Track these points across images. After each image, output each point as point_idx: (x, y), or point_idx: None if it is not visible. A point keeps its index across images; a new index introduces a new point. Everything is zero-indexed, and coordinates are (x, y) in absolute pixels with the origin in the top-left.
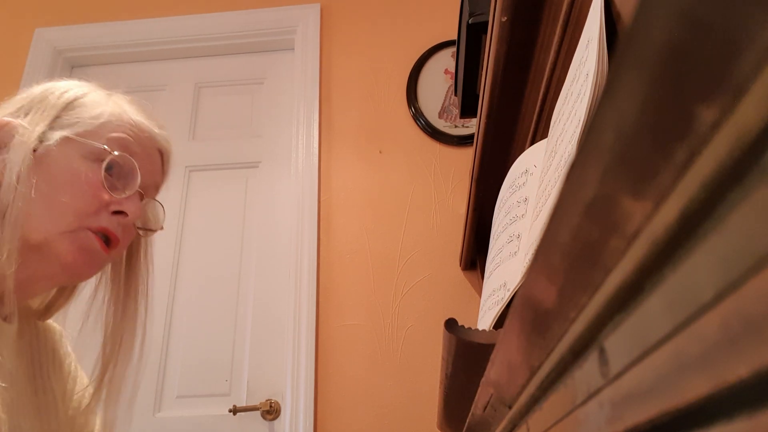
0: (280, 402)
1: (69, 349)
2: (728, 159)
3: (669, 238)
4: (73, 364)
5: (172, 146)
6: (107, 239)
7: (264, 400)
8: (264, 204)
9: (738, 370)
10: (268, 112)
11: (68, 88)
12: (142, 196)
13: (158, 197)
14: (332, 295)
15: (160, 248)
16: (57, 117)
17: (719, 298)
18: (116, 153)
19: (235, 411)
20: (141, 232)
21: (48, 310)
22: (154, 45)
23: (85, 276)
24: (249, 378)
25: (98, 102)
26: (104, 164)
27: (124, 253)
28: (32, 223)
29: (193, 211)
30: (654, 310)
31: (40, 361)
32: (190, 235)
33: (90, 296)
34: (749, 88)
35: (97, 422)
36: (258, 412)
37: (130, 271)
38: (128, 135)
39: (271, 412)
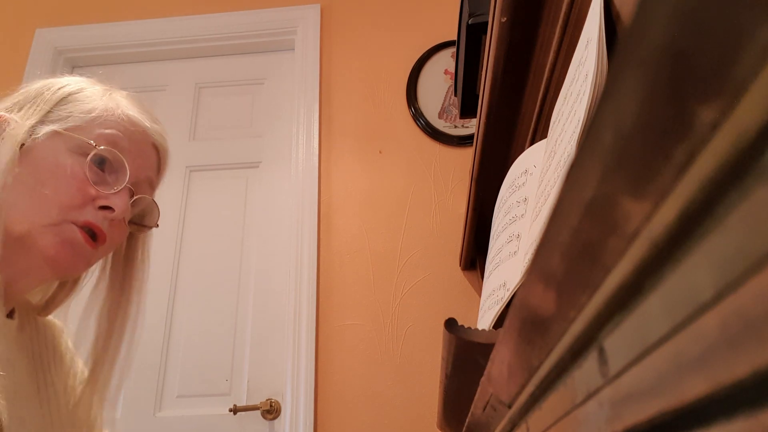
0: (280, 402)
1: (70, 344)
2: (728, 159)
3: (668, 238)
4: (73, 359)
5: (168, 142)
6: (94, 234)
7: (264, 400)
8: (264, 204)
9: (738, 370)
10: (268, 112)
11: (66, 83)
12: (132, 193)
13: (158, 194)
14: (332, 295)
15: (160, 248)
16: (49, 112)
17: (719, 298)
18: (102, 147)
19: (235, 411)
20: (134, 228)
21: (48, 305)
22: (154, 45)
23: (72, 271)
24: (249, 378)
25: (93, 97)
26: (89, 158)
27: (123, 248)
28: (16, 215)
29: (193, 211)
30: (653, 310)
31: (42, 356)
32: (190, 235)
33: (91, 291)
34: (749, 88)
35: (99, 418)
36: (258, 412)
37: (127, 268)
38: (118, 130)
39: (271, 411)
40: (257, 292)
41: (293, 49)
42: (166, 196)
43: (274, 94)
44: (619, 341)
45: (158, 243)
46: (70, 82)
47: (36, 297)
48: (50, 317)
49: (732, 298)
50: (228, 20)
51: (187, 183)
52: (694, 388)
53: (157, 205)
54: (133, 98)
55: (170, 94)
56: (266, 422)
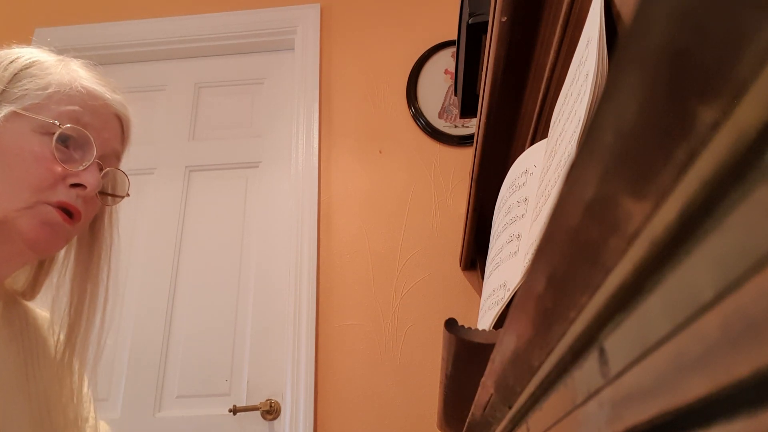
0: (280, 402)
1: (62, 338)
2: (728, 159)
3: (669, 238)
4: None
5: (129, 110)
6: (69, 212)
7: (264, 400)
8: (264, 204)
9: (738, 370)
10: (268, 112)
11: (16, 56)
12: (101, 167)
13: (158, 194)
14: (332, 295)
15: (160, 248)
16: (3, 91)
17: (719, 298)
18: (67, 126)
19: (235, 411)
20: (109, 199)
21: (34, 286)
22: (154, 45)
23: (52, 250)
24: (249, 378)
25: (47, 70)
26: (54, 138)
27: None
28: None
29: (193, 211)
30: (654, 310)
31: (31, 349)
32: (190, 235)
33: (62, 260)
34: (749, 88)
35: (91, 410)
36: (258, 412)
37: (94, 237)
38: (79, 105)
39: (271, 412)
40: (257, 292)
41: (293, 49)
42: (166, 196)
43: (274, 94)
44: (619, 341)
45: (158, 243)
46: (21, 55)
47: (19, 282)
48: (41, 311)
49: (732, 298)
50: (228, 20)
51: (187, 183)
52: (695, 388)
53: (126, 175)
54: (90, 67)
55: (169, 94)
56: (266, 423)
